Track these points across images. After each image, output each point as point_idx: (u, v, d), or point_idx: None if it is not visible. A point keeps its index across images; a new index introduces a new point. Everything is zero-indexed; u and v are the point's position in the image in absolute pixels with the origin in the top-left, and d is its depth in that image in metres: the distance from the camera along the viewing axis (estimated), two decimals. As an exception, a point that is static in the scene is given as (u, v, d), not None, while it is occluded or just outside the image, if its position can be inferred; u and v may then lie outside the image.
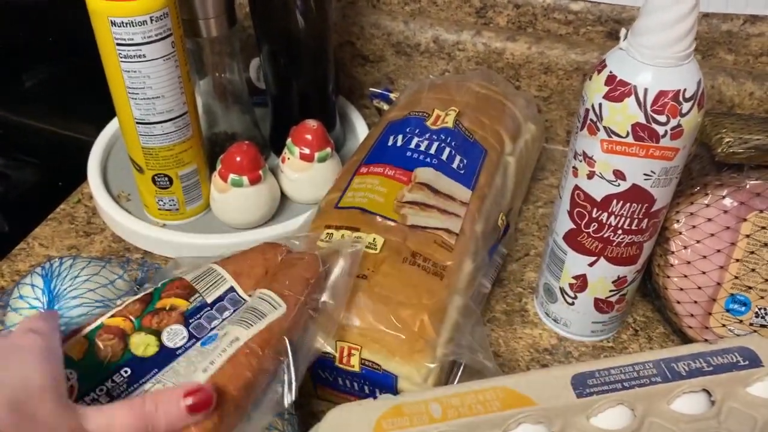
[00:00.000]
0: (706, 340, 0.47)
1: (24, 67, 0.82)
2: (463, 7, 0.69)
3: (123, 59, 0.48)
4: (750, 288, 0.46)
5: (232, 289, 0.42)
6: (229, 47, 0.59)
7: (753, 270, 0.46)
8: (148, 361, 0.38)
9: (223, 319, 0.40)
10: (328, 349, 0.43)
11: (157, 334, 0.39)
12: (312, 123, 0.58)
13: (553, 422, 0.40)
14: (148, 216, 0.60)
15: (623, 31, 0.41)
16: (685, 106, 0.39)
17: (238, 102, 0.63)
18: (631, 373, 0.42)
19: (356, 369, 0.43)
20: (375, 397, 0.39)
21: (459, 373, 0.45)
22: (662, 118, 0.39)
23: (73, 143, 0.76)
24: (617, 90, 0.40)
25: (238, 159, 0.55)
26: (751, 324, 0.47)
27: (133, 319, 0.39)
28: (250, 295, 0.42)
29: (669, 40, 0.38)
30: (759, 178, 0.46)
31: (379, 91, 0.71)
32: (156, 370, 0.38)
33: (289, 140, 0.59)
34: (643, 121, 0.39)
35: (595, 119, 0.41)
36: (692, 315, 0.48)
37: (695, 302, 0.48)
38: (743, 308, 0.47)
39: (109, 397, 0.37)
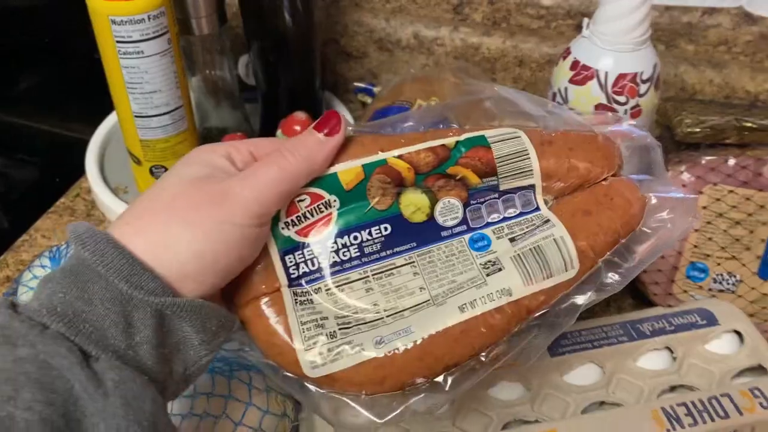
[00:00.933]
0: (669, 306, 0.51)
1: (20, 68, 0.84)
2: (441, 4, 0.72)
3: (122, 56, 0.51)
4: (708, 256, 0.50)
5: (531, 188, 0.34)
6: (219, 45, 0.62)
7: (710, 239, 0.50)
8: (411, 228, 0.32)
9: (504, 219, 0.33)
10: None
11: (432, 200, 0.33)
12: (301, 115, 0.61)
13: (530, 380, 0.44)
14: (145, 207, 0.62)
15: (585, 20, 0.44)
16: (643, 87, 0.43)
17: (228, 98, 0.66)
18: (600, 333, 0.46)
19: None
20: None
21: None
22: (622, 99, 0.43)
23: (69, 142, 0.78)
24: (581, 74, 0.44)
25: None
26: (709, 289, 0.51)
27: (418, 172, 0.32)
28: (544, 204, 0.34)
29: (626, 27, 0.42)
30: (714, 155, 0.50)
31: (363, 85, 0.75)
32: (413, 244, 0.32)
33: (279, 131, 0.62)
34: (604, 101, 0.43)
35: (561, 102, 0.45)
36: (657, 283, 0.52)
37: (660, 270, 0.51)
38: (702, 275, 0.51)
39: (359, 251, 0.32)
